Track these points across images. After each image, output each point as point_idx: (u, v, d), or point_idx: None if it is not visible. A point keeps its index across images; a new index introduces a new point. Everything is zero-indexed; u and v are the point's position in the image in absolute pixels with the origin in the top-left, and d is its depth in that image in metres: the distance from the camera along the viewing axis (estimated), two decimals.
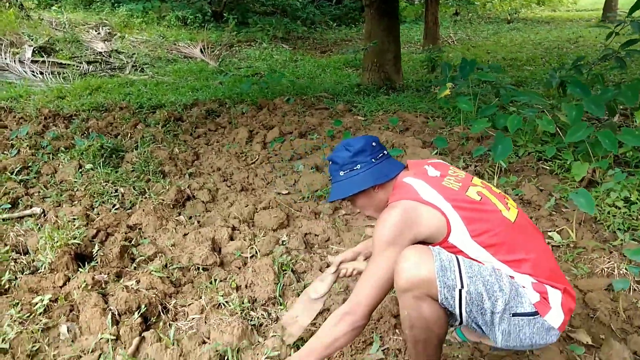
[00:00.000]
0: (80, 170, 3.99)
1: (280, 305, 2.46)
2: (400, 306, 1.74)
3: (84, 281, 2.49)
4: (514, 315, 1.60)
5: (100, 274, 2.63)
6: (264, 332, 2.29)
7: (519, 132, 3.93)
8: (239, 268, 2.85)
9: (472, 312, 1.59)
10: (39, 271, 2.64)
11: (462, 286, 1.55)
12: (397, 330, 2.26)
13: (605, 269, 2.45)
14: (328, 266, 2.38)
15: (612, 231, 2.79)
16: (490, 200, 1.72)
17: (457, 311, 1.57)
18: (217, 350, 2.16)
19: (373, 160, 1.85)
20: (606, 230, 2.80)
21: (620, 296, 2.24)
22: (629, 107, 4.14)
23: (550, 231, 2.84)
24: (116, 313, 2.34)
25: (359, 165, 1.84)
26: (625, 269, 2.40)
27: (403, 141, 4.35)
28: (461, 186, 1.73)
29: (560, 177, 3.47)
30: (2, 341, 2.18)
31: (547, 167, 3.60)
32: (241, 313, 2.36)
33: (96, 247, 2.82)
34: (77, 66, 8.26)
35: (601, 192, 3.03)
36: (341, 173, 1.87)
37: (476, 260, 1.65)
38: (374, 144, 1.88)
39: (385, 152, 1.90)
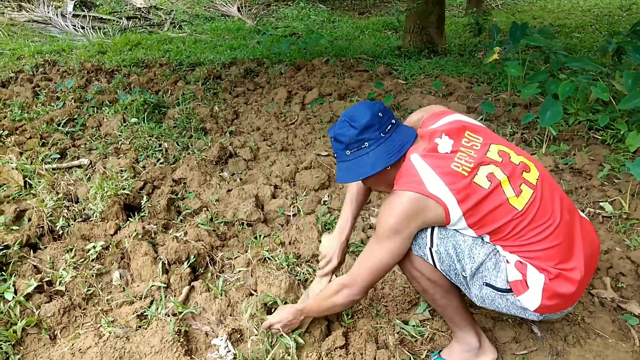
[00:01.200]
0: (124, 124, 4.05)
1: None
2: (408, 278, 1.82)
3: (135, 230, 2.55)
4: (486, 285, 1.64)
5: (149, 224, 2.69)
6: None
7: (569, 100, 3.79)
8: (282, 225, 2.88)
9: (444, 270, 1.70)
10: (90, 219, 2.72)
11: (432, 245, 1.66)
12: None
13: None
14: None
15: None
16: (500, 186, 1.57)
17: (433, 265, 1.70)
18: (264, 303, 2.20)
19: (382, 134, 1.66)
20: None
21: None
22: None
23: (601, 201, 2.77)
24: (166, 262, 2.40)
25: (366, 143, 1.66)
26: None
27: (446, 106, 4.26)
28: (472, 168, 1.57)
29: (612, 147, 3.36)
30: (59, 284, 2.27)
31: (599, 137, 3.48)
32: (287, 268, 2.40)
33: (144, 199, 2.87)
34: (117, 21, 8.29)
35: None
36: (347, 152, 1.69)
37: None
38: (380, 114, 1.66)
39: (393, 121, 1.70)
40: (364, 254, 1.71)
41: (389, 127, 1.68)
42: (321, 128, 4.21)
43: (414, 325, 2.07)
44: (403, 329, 2.05)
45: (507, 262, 1.62)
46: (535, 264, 1.58)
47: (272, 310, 2.19)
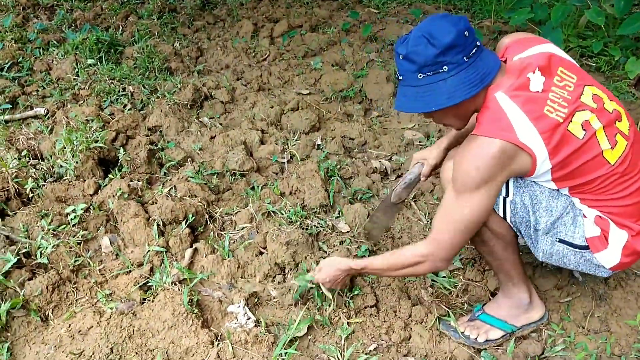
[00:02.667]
0: (78, 66, 3.59)
1: (335, 213, 2.30)
2: None
3: (119, 188, 2.26)
4: (560, 241, 1.52)
5: (132, 180, 2.39)
6: (324, 242, 2.14)
7: (560, 25, 3.64)
8: (276, 174, 2.65)
9: (515, 223, 1.54)
10: (63, 178, 2.39)
11: (507, 195, 1.49)
12: None
13: None
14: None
15: None
16: (595, 135, 1.41)
17: (503, 217, 1.55)
18: (276, 263, 2.01)
19: (465, 58, 1.38)
20: None
21: None
22: None
23: None
24: (160, 223, 2.14)
25: (446, 67, 1.38)
26: None
27: None
28: (567, 114, 1.38)
29: (607, 74, 3.27)
30: (40, 256, 1.98)
31: (593, 64, 3.38)
32: (297, 222, 2.20)
33: (120, 152, 2.55)
34: None
35: None
36: (420, 76, 1.41)
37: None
38: (466, 32, 1.37)
39: (478, 43, 1.42)
40: (443, 214, 1.49)
41: (474, 50, 1.39)
42: (297, 64, 3.90)
43: (444, 277, 1.95)
44: (435, 281, 1.92)
45: (584, 216, 1.49)
46: (616, 220, 1.46)
47: (287, 271, 2.02)
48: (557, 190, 1.48)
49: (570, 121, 1.38)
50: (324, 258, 2.01)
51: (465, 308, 1.86)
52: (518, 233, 1.59)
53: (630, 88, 3.04)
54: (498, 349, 1.73)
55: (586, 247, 1.50)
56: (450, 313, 1.79)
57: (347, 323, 1.80)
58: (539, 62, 1.44)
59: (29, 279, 1.89)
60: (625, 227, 1.47)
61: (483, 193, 1.41)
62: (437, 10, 4.67)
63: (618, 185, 1.43)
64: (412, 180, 1.91)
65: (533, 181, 1.48)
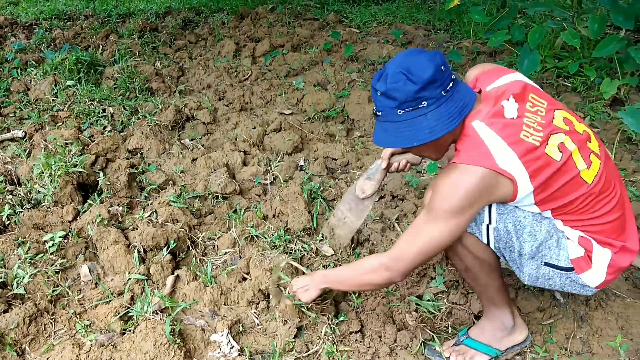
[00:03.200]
0: (57, 87, 3.54)
1: (319, 236, 2.29)
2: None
3: (99, 214, 2.22)
4: (546, 264, 1.54)
5: (112, 206, 2.36)
6: (308, 266, 2.13)
7: (537, 46, 3.72)
8: (259, 196, 2.64)
9: (499, 249, 1.55)
10: (41, 204, 2.34)
11: (490, 222, 1.50)
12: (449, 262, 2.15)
13: None
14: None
15: None
16: (571, 157, 1.42)
17: (487, 243, 1.55)
18: (260, 289, 1.99)
19: (443, 92, 1.38)
20: None
21: None
22: None
23: None
24: (141, 250, 2.11)
25: (425, 102, 1.38)
26: None
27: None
28: (543, 137, 1.39)
29: (582, 94, 3.34)
30: (17, 286, 1.93)
31: (569, 84, 3.45)
32: (280, 246, 2.18)
33: (100, 176, 2.51)
34: None
35: None
36: (399, 112, 1.41)
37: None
38: (443, 67, 1.38)
39: (453, 76, 1.43)
40: (412, 232, 1.49)
41: (450, 84, 1.40)
42: (279, 84, 3.91)
43: (428, 300, 1.95)
44: (419, 305, 1.92)
45: (568, 238, 1.50)
46: (598, 239, 1.48)
47: (270, 297, 2.00)
48: (540, 214, 1.49)
49: (547, 144, 1.39)
50: None
51: (449, 332, 1.86)
52: (502, 258, 1.60)
53: (605, 108, 3.10)
54: None
55: (571, 269, 1.51)
56: (435, 337, 1.79)
57: (333, 351, 1.78)
58: (513, 89, 1.47)
59: (5, 311, 1.83)
60: (607, 245, 1.49)
61: (457, 220, 1.41)
62: (417, 31, 4.74)
63: (597, 203, 1.46)
64: (374, 171, 1.89)
65: (516, 206, 1.48)
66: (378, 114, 1.48)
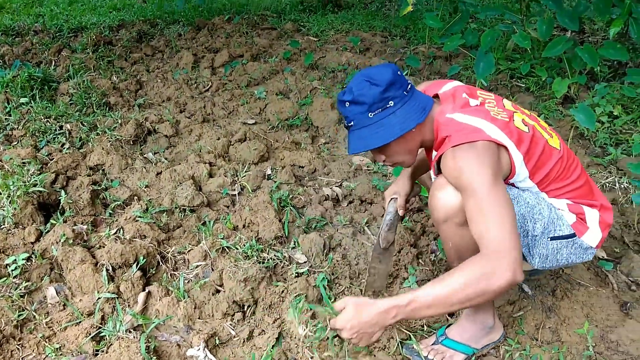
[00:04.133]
0: (10, 105, 3.42)
1: (291, 243, 2.29)
2: (442, 238, 1.65)
3: (63, 234, 2.16)
4: (553, 238, 1.61)
5: (76, 224, 2.29)
6: (282, 275, 2.13)
7: (490, 49, 3.85)
8: (228, 207, 2.62)
9: None
10: (0, 227, 2.25)
11: None
12: (420, 261, 2.19)
13: (607, 184, 2.50)
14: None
15: (600, 146, 2.84)
16: (535, 128, 1.57)
17: None
18: (234, 301, 1.97)
19: (405, 92, 1.52)
20: (595, 146, 2.85)
21: (636, 209, 2.31)
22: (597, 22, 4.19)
23: None
24: (109, 268, 2.06)
25: (392, 102, 1.50)
26: (628, 182, 2.46)
27: (368, 62, 4.14)
28: (507, 116, 1.52)
29: (535, 94, 3.47)
30: None
31: (522, 85, 3.58)
32: (253, 256, 2.17)
33: (62, 194, 2.44)
34: None
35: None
36: (370, 115, 1.51)
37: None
38: (398, 72, 1.52)
39: (409, 81, 1.58)
40: (487, 223, 1.30)
41: (409, 86, 1.54)
42: (241, 94, 3.90)
43: None
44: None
45: (559, 208, 1.61)
46: (583, 202, 1.61)
47: (247, 310, 1.98)
48: (535, 192, 1.58)
49: (514, 120, 1.53)
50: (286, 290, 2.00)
51: (425, 330, 1.89)
52: None
53: (558, 106, 3.24)
54: None
55: (573, 234, 1.60)
56: (412, 336, 1.81)
57: (311, 358, 1.79)
58: (461, 90, 1.60)
59: None
60: (592, 206, 1.63)
61: (502, 187, 1.36)
62: (374, 37, 4.83)
63: (568, 169, 1.59)
64: (393, 219, 1.89)
65: (517, 188, 1.57)
66: (350, 124, 1.55)
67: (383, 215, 1.96)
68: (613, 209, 2.31)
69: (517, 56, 3.87)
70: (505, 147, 1.45)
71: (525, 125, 1.54)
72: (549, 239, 1.60)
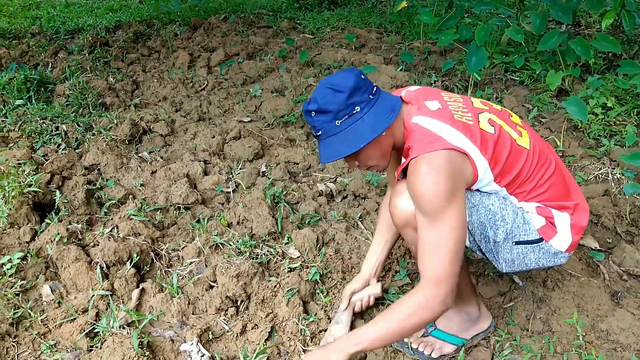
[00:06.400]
0: (6, 107, 3.44)
1: (284, 239, 2.30)
2: (405, 240, 1.67)
3: (58, 233, 2.17)
4: (517, 243, 1.60)
5: (71, 223, 2.31)
6: (275, 270, 2.14)
7: (484, 44, 3.85)
8: (222, 204, 2.64)
9: (474, 241, 1.60)
10: None
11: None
12: (411, 254, 2.20)
13: (600, 175, 2.51)
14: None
15: (594, 138, 2.85)
16: (503, 128, 1.52)
17: None
18: (227, 296, 1.99)
19: (370, 96, 1.48)
20: (589, 138, 2.85)
21: (629, 200, 2.32)
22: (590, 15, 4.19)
23: None
24: (104, 266, 2.08)
25: (358, 107, 1.46)
26: (621, 173, 2.47)
27: (363, 59, 4.15)
28: (472, 117, 1.49)
29: (530, 87, 3.48)
30: None
31: (517, 78, 3.59)
32: (246, 252, 2.18)
33: (57, 194, 2.46)
34: None
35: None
36: (337, 122, 1.46)
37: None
38: (362, 76, 1.49)
39: (374, 84, 1.55)
40: (428, 246, 1.39)
41: (374, 89, 1.50)
42: (237, 92, 3.92)
43: (394, 294, 1.99)
44: (385, 299, 1.96)
45: (527, 211, 1.58)
46: (553, 204, 1.57)
47: (241, 305, 1.99)
48: (502, 196, 1.56)
49: (479, 121, 1.49)
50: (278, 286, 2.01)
51: None
52: (479, 253, 1.65)
53: (552, 99, 3.25)
54: (450, 359, 1.78)
55: (540, 239, 1.58)
56: None
57: (303, 351, 1.80)
58: (424, 92, 1.60)
59: None
60: (563, 209, 1.58)
61: (456, 204, 1.37)
62: (369, 34, 4.84)
63: (539, 170, 1.54)
64: (339, 316, 1.84)
65: (481, 194, 1.54)
66: (318, 134, 1.51)
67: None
68: (606, 200, 2.33)
69: (511, 50, 3.87)
70: (468, 154, 1.42)
71: (492, 126, 1.50)
72: (513, 244, 1.59)
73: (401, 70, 3.88)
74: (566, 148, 2.78)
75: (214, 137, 3.17)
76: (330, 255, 2.20)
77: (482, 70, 3.70)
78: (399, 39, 4.62)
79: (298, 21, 5.55)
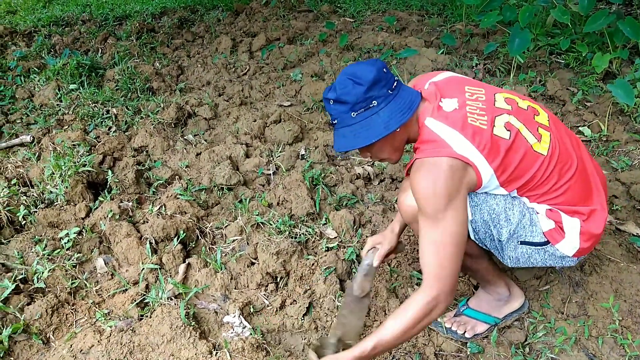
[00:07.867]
0: (60, 91, 3.64)
1: (322, 220, 2.37)
2: (415, 235, 1.69)
3: (110, 210, 2.32)
4: (522, 243, 1.59)
5: (122, 201, 2.45)
6: (313, 249, 2.22)
7: (528, 25, 3.77)
8: (263, 186, 2.73)
9: (479, 240, 1.61)
10: (54, 204, 2.44)
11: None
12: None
13: None
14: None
15: None
16: (520, 133, 1.48)
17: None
18: (267, 272, 2.08)
19: (389, 91, 1.48)
20: (635, 122, 2.78)
21: None
22: None
23: (579, 126, 2.81)
24: (153, 241, 2.20)
25: (375, 102, 1.46)
26: None
27: (404, 42, 4.14)
28: (488, 121, 1.46)
29: (576, 70, 3.39)
30: (37, 280, 2.04)
31: (562, 61, 3.51)
32: (286, 231, 2.27)
33: (109, 174, 2.61)
34: None
35: None
36: (353, 114, 1.48)
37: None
38: (384, 69, 1.48)
39: (396, 78, 1.53)
40: (429, 246, 1.42)
41: (395, 84, 1.50)
42: (277, 77, 3.99)
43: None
44: (420, 279, 2.01)
45: (537, 213, 1.56)
46: (565, 209, 1.54)
47: (280, 281, 2.08)
48: (510, 195, 1.55)
49: (494, 126, 1.46)
50: (315, 264, 2.09)
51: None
52: (484, 247, 1.66)
53: (598, 82, 3.17)
54: (483, 339, 1.81)
55: (546, 242, 1.57)
56: None
57: None
58: (447, 84, 1.57)
59: (28, 304, 1.94)
60: (575, 214, 1.55)
61: (455, 207, 1.40)
62: (410, 17, 4.80)
63: (557, 174, 1.51)
64: (369, 268, 1.81)
65: (487, 194, 1.54)
66: (334, 122, 1.54)
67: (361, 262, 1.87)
68: None
69: (557, 32, 3.77)
70: (472, 163, 1.42)
71: (508, 130, 1.47)
72: (518, 243, 1.59)
73: (442, 53, 3.85)
74: (611, 132, 2.72)
75: (255, 120, 3.25)
76: (366, 237, 2.26)
77: (526, 53, 3.63)
78: (441, 21, 4.57)
79: (338, 5, 5.56)
